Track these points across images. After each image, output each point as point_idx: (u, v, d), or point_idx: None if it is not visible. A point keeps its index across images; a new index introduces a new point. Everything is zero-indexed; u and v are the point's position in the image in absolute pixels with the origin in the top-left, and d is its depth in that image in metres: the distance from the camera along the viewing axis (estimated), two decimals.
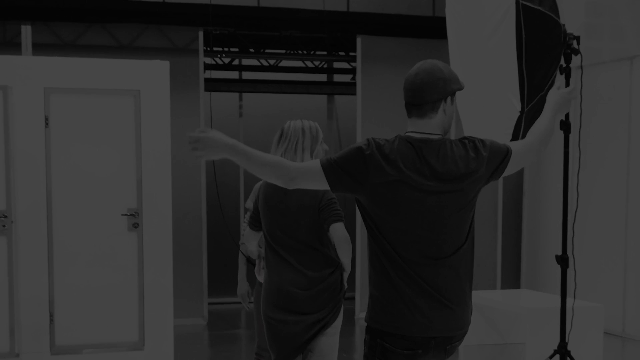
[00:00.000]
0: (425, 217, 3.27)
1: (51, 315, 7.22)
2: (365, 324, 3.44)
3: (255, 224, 4.75)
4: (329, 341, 4.60)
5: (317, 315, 4.53)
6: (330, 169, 3.26)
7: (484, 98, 6.05)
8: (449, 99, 3.36)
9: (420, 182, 3.25)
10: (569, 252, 5.83)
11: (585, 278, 7.10)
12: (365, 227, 3.39)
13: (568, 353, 5.93)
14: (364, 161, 3.24)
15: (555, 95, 3.94)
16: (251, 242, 4.87)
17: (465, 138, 3.39)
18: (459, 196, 3.30)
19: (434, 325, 3.31)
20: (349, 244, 4.54)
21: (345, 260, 4.55)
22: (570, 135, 5.98)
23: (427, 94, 3.33)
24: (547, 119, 3.76)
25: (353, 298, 10.36)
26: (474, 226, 3.43)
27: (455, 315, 3.35)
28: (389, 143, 3.29)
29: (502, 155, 3.41)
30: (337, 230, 4.47)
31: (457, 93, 3.44)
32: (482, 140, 3.38)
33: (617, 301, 9.08)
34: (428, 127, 3.34)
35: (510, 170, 3.47)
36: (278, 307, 4.60)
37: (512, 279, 10.98)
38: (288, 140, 4.59)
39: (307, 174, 3.29)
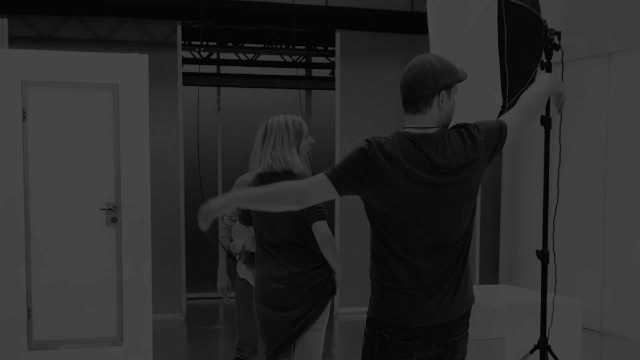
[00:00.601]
0: (429, 210, 3.29)
1: (29, 310, 7.16)
2: (366, 317, 3.46)
3: (246, 218, 4.75)
4: (314, 336, 4.60)
5: (299, 310, 4.53)
6: (335, 176, 3.29)
7: (465, 93, 6.04)
8: (443, 93, 3.33)
9: (423, 176, 3.26)
10: (549, 247, 5.85)
11: (564, 273, 7.11)
12: (368, 221, 3.41)
13: (548, 348, 5.94)
14: (367, 162, 3.26)
15: (551, 75, 3.93)
16: (240, 236, 4.87)
17: (460, 127, 3.38)
18: (462, 185, 3.32)
19: (434, 315, 3.33)
20: (332, 242, 4.53)
21: (331, 260, 4.55)
22: (550, 130, 5.99)
23: (418, 89, 3.32)
24: (543, 86, 3.75)
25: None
26: (475, 212, 3.46)
27: (454, 302, 3.38)
28: (389, 141, 3.30)
29: (497, 134, 3.41)
30: (319, 229, 4.48)
31: None
32: (475, 126, 3.38)
33: (595, 296, 9.12)
34: (424, 122, 3.34)
35: (508, 142, 3.49)
36: (264, 303, 4.64)
37: (490, 275, 11.02)
38: (273, 137, 4.58)
39: (314, 188, 3.33)
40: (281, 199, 3.34)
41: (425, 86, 3.31)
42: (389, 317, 3.34)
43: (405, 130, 3.36)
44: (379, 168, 3.25)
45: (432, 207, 3.28)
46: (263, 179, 4.59)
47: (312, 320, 4.56)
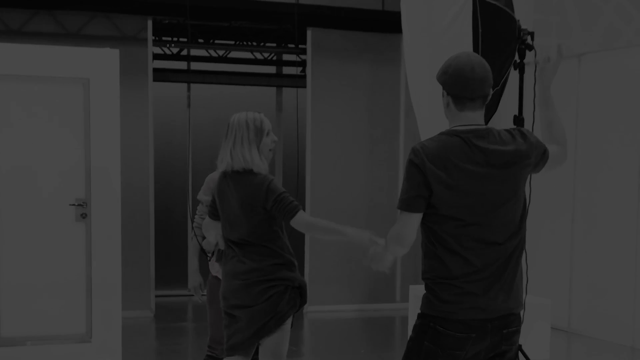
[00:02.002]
0: (482, 207, 3.33)
1: None
2: (419, 313, 3.49)
3: (215, 214, 4.75)
4: (277, 335, 4.59)
5: (258, 311, 4.51)
6: (406, 205, 3.37)
7: (438, 93, 6.06)
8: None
9: (475, 170, 3.31)
10: None
11: (533, 273, 7.14)
12: (423, 227, 3.47)
13: (519, 347, 5.97)
14: (420, 173, 3.32)
15: (541, 82, 3.95)
16: (210, 232, 4.85)
17: (510, 128, 3.48)
18: (512, 182, 3.38)
19: (490, 308, 3.36)
20: (316, 226, 4.51)
21: (333, 237, 4.49)
22: None
23: (488, 86, 3.40)
24: (557, 119, 3.83)
25: None
26: (527, 212, 3.54)
27: (509, 299, 3.41)
28: (434, 142, 3.35)
29: (543, 149, 3.52)
30: (297, 224, 4.46)
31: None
32: (527, 130, 3.49)
33: (563, 297, 9.18)
34: (478, 119, 3.42)
35: (545, 169, 3.61)
36: (226, 299, 4.66)
37: None
38: (234, 135, 4.56)
39: (402, 228, 3.42)
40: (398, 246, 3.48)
41: (489, 84, 3.42)
42: (444, 312, 3.36)
43: (453, 128, 3.40)
44: (431, 174, 3.30)
45: (482, 202, 3.33)
46: (226, 177, 4.59)
47: (270, 332, 4.56)
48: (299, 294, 4.64)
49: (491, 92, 3.44)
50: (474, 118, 3.40)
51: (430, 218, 3.37)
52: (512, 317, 3.45)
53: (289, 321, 4.63)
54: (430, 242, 3.41)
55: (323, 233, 4.52)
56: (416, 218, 3.36)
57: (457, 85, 3.38)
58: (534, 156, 3.46)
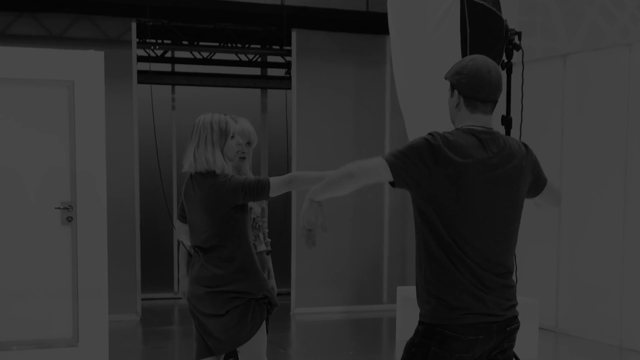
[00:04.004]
0: (489, 206, 3.30)
1: None
2: (421, 321, 3.39)
3: (184, 216, 4.71)
4: (254, 339, 4.54)
5: (227, 318, 4.47)
6: (395, 159, 3.24)
7: (427, 94, 6.05)
8: None
9: (487, 170, 3.28)
10: None
11: (520, 274, 7.13)
12: (422, 234, 3.35)
13: None
14: (431, 150, 3.22)
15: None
16: (182, 235, 4.81)
17: (516, 139, 3.52)
18: (517, 187, 3.39)
19: (496, 311, 3.33)
20: (295, 179, 4.41)
21: (312, 184, 4.11)
22: (511, 130, 6.03)
23: (498, 92, 3.41)
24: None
25: (289, 293, 10.31)
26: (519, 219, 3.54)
27: (512, 299, 3.41)
28: (451, 135, 3.30)
29: (541, 173, 3.59)
30: (276, 189, 4.39)
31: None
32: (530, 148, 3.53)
33: (551, 297, 9.20)
34: (488, 122, 3.40)
35: (539, 197, 3.65)
36: (191, 303, 4.62)
37: None
38: (198, 136, 4.50)
39: (371, 165, 3.25)
40: (337, 177, 3.29)
41: (501, 89, 3.42)
42: (452, 319, 3.29)
43: (468, 127, 3.37)
44: (444, 157, 3.22)
45: (492, 205, 3.31)
46: (192, 179, 4.55)
47: (245, 340, 4.52)
48: (267, 302, 4.60)
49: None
50: (485, 121, 3.39)
51: (431, 214, 3.29)
52: (512, 314, 3.44)
53: (263, 325, 4.59)
54: (431, 249, 3.31)
55: (304, 185, 4.38)
56: (384, 176, 3.25)
57: (473, 87, 3.35)
58: (531, 172, 3.49)
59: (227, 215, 4.43)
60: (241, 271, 4.49)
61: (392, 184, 3.28)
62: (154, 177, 9.89)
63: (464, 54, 5.58)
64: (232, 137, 4.55)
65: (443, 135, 3.28)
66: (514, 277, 3.51)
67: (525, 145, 3.49)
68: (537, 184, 3.57)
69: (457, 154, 3.24)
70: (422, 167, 3.23)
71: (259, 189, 4.37)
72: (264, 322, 4.60)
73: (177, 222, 4.81)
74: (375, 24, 10.21)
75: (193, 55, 11.19)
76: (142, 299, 10.12)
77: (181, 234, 4.81)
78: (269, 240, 5.43)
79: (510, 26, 6.06)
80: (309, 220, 3.35)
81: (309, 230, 3.38)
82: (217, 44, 11.04)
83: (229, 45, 11.01)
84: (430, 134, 3.29)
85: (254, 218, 5.23)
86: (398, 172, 3.23)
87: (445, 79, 3.47)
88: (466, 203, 3.26)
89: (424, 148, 3.24)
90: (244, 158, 5.09)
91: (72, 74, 7.21)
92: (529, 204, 3.67)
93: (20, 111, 7.10)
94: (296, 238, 9.88)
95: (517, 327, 3.50)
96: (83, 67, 7.25)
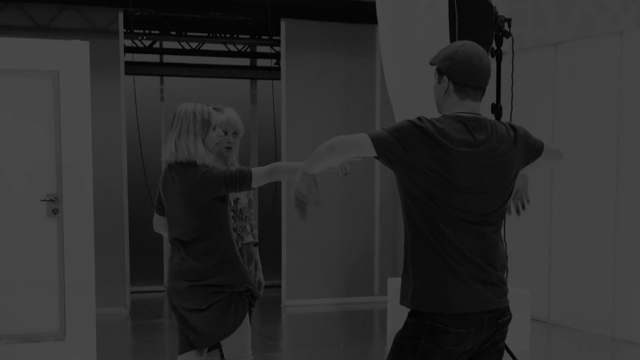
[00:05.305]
0: (476, 192, 3.25)
1: None
2: (410, 310, 3.33)
3: (162, 209, 4.63)
4: (238, 331, 4.49)
5: (209, 312, 4.42)
6: (378, 135, 3.22)
7: (415, 80, 5.99)
8: None
9: (474, 157, 3.22)
10: None
11: (513, 265, 7.10)
12: (409, 216, 3.30)
13: None
14: (418, 131, 3.19)
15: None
16: (159, 227, 4.73)
17: (505, 122, 3.46)
18: (505, 173, 3.33)
19: (485, 298, 3.28)
20: (276, 169, 4.34)
21: (294, 172, 4.18)
22: (501, 119, 5.97)
23: (488, 79, 3.37)
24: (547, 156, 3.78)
25: (279, 286, 10.24)
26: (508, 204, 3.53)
27: (502, 285, 3.36)
28: (438, 121, 3.26)
29: (535, 144, 3.49)
30: (258, 180, 4.34)
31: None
32: (519, 126, 3.46)
33: (543, 288, 9.15)
34: (476, 108, 3.35)
35: (536, 162, 3.55)
36: (171, 297, 4.56)
37: None
38: (180, 125, 4.42)
39: (354, 139, 3.24)
40: (320, 149, 3.30)
41: (490, 76, 3.40)
42: (442, 307, 3.23)
43: (455, 114, 3.31)
44: (430, 139, 3.17)
45: (478, 191, 3.25)
46: (170, 169, 4.47)
47: (228, 334, 4.47)
48: (249, 295, 4.54)
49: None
50: (474, 107, 3.34)
51: (418, 196, 3.24)
52: (504, 305, 3.39)
53: (246, 317, 4.53)
54: (422, 237, 3.26)
55: (286, 174, 4.35)
56: (365, 150, 3.23)
57: (464, 73, 3.29)
58: (526, 149, 3.43)
59: (208, 206, 4.35)
60: (222, 263, 4.42)
61: (376, 157, 3.26)
62: (142, 168, 9.83)
63: (452, 41, 5.51)
64: (214, 128, 4.48)
65: (430, 120, 3.24)
66: (504, 265, 3.44)
67: (514, 129, 3.41)
68: (534, 153, 3.50)
69: (444, 138, 3.19)
70: (407, 147, 3.19)
71: (241, 180, 4.31)
72: (247, 315, 4.54)
73: (155, 216, 4.73)
74: (364, 13, 10.12)
75: (181, 45, 11.11)
76: (132, 292, 10.05)
77: (159, 226, 4.73)
78: (256, 232, 5.36)
79: (500, 14, 6.01)
80: (301, 191, 3.31)
81: (301, 202, 3.33)
82: (206, 34, 10.95)
83: (218, 35, 10.92)
84: (417, 117, 3.25)
85: (241, 209, 5.16)
86: (380, 147, 3.21)
87: (432, 64, 3.39)
88: (453, 189, 3.21)
89: (409, 129, 3.20)
90: (231, 148, 5.02)
91: (57, 64, 7.12)
92: None
93: (4, 102, 7.01)
94: (286, 230, 9.82)
95: (509, 319, 3.44)
96: (68, 57, 7.16)
